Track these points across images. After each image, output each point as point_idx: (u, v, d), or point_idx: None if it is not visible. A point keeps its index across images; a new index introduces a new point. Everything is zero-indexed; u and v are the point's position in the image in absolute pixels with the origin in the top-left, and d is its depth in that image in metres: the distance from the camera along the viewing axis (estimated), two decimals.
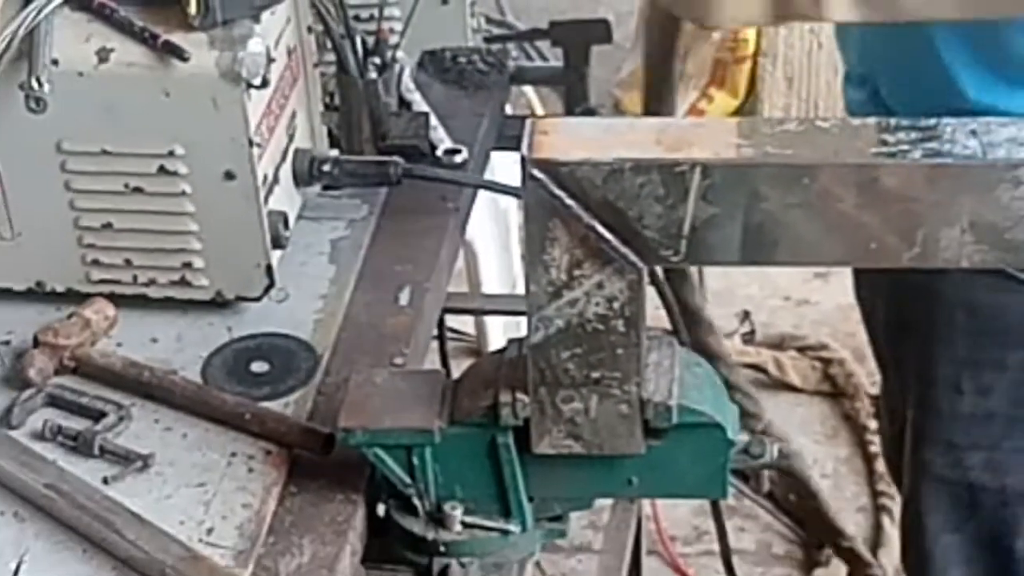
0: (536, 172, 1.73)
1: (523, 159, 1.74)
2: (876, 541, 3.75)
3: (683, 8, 2.11)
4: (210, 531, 2.01)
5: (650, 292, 1.85)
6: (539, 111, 4.00)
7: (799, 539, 3.82)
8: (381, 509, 2.05)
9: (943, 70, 2.20)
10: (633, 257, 1.77)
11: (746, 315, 4.36)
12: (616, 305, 1.81)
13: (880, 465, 3.88)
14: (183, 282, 2.28)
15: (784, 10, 1.96)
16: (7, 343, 2.26)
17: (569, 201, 1.74)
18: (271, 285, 2.28)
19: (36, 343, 2.22)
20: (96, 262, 2.28)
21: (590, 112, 2.80)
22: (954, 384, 2.31)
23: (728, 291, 4.36)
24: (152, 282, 2.29)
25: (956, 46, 2.19)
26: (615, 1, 4.75)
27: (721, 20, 2.00)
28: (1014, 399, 2.31)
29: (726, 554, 2.98)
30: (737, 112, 4.65)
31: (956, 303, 2.25)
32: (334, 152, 2.43)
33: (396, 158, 2.39)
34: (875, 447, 3.93)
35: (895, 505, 3.74)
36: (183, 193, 2.20)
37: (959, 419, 2.34)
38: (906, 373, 2.42)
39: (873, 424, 3.98)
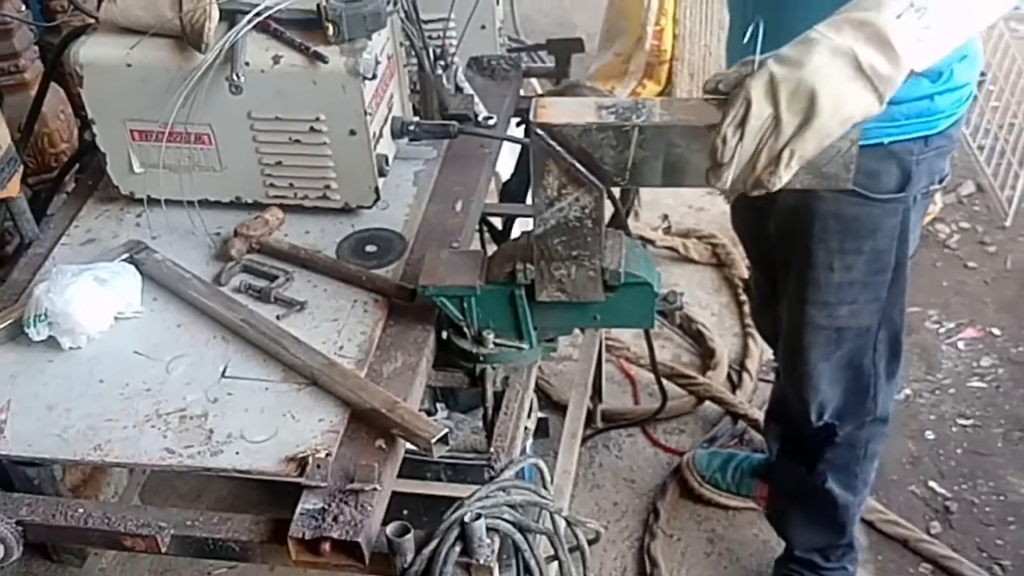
0: (538, 130, 1.73)
1: (529, 122, 1.74)
2: (744, 355, 3.75)
3: None
4: (341, 348, 2.02)
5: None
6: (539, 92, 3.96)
7: (697, 352, 3.82)
8: (444, 335, 2.07)
9: None
10: (597, 182, 1.77)
11: (665, 217, 4.33)
12: (587, 211, 1.81)
13: (746, 308, 3.88)
14: (325, 197, 2.28)
15: None
16: (218, 234, 2.26)
17: (558, 148, 1.74)
18: (378, 199, 2.28)
19: (235, 234, 2.22)
20: (272, 184, 2.27)
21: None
22: (828, 265, 2.28)
23: (654, 201, 4.33)
24: (306, 196, 2.28)
25: None
26: (587, 27, 4.71)
27: None
28: (866, 271, 2.28)
29: (653, 361, 2.97)
30: (660, 95, 4.61)
31: (829, 215, 2.21)
32: (416, 118, 2.42)
33: (453, 122, 2.38)
34: (743, 298, 3.93)
35: (755, 331, 3.75)
36: (325, 143, 2.19)
37: (831, 287, 2.31)
38: (789, 263, 2.39)
39: (742, 284, 3.98)
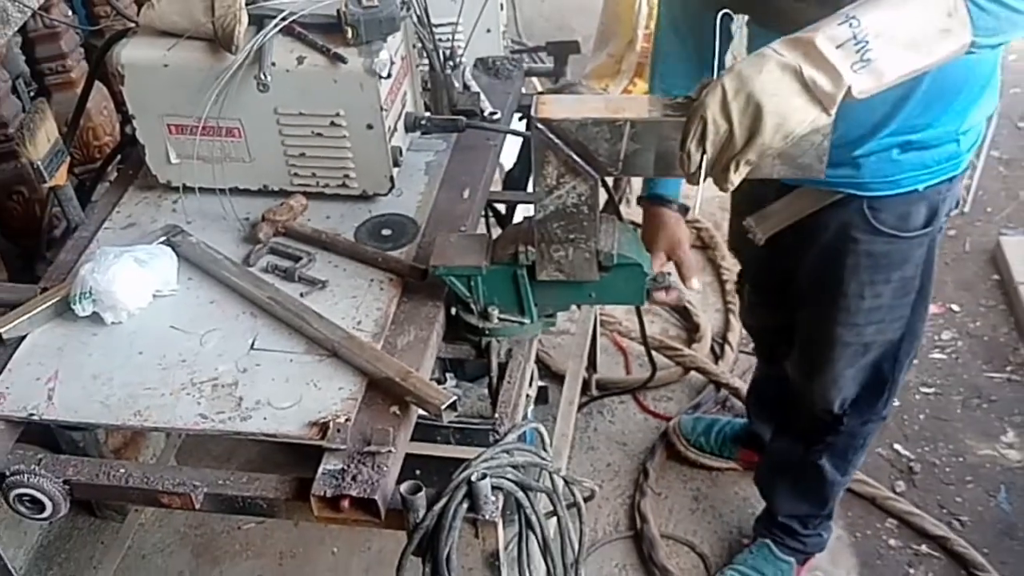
0: (539, 124, 1.73)
1: (530, 117, 1.74)
2: (726, 329, 3.75)
3: None
4: (359, 323, 2.02)
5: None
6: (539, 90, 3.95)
7: (683, 326, 3.82)
8: (453, 310, 2.07)
9: None
10: (592, 172, 1.77)
11: None
12: (583, 198, 1.81)
13: (727, 286, 3.89)
14: (344, 185, 2.27)
15: None
16: (247, 219, 2.25)
17: (557, 141, 1.74)
18: (392, 186, 2.27)
19: (263, 219, 2.21)
20: (296, 173, 2.27)
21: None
22: (859, 294, 2.26)
23: None
24: (327, 184, 2.28)
25: None
26: (583, 30, 4.70)
27: None
28: (894, 296, 2.26)
29: (643, 335, 2.96)
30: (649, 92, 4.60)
31: (861, 252, 2.21)
32: (427, 113, 2.41)
33: (461, 117, 2.37)
34: (726, 276, 3.92)
35: (735, 307, 3.74)
36: (344, 136, 2.18)
37: (862, 312, 2.29)
38: (819, 290, 2.37)
39: (724, 264, 3.97)
